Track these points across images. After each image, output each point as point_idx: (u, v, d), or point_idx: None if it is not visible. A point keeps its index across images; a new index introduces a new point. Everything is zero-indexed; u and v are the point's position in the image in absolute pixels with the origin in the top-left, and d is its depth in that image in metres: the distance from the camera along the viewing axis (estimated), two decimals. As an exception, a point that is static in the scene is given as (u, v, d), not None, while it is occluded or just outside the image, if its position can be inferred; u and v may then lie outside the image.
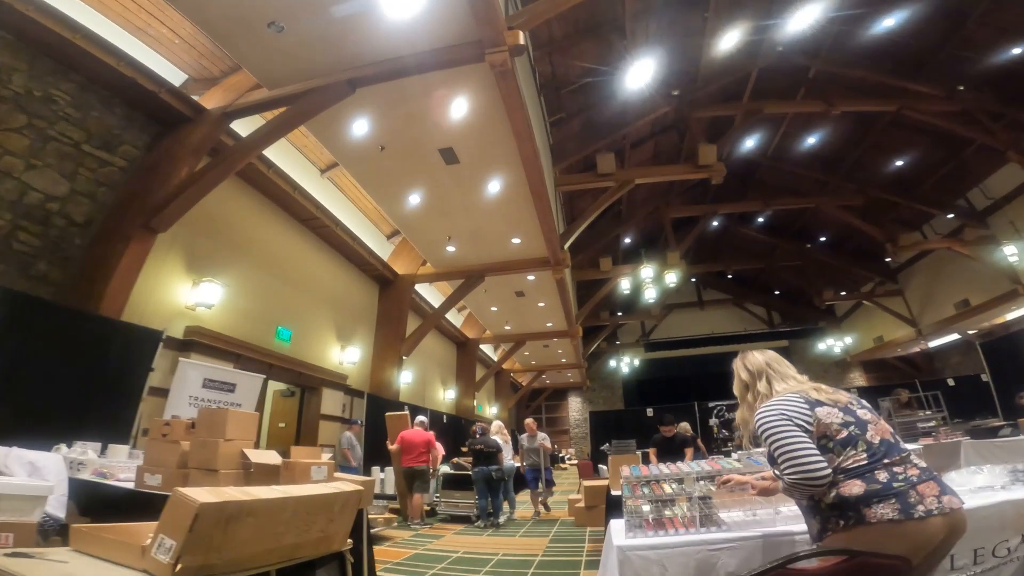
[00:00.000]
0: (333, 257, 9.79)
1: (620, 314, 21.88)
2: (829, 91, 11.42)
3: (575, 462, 22.88)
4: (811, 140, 14.23)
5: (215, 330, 6.51)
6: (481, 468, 6.53)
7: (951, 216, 14.57)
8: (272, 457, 2.98)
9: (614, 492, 4.06)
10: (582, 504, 6.16)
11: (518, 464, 7.81)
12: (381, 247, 11.39)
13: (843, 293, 20.37)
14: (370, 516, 5.79)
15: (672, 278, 13.21)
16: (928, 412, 6.93)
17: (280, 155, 7.85)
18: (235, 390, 5.17)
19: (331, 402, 8.57)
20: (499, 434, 7.26)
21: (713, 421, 11.33)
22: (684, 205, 16.96)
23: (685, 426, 9.67)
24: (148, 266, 5.67)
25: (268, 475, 2.88)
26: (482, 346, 17.58)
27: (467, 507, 7.07)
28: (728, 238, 21.41)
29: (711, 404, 12.66)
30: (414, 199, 8.28)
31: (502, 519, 6.83)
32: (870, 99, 11.31)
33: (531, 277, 11.53)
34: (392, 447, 6.84)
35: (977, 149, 12.35)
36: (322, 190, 9.24)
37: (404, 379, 11.28)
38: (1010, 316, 16.05)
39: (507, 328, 15.64)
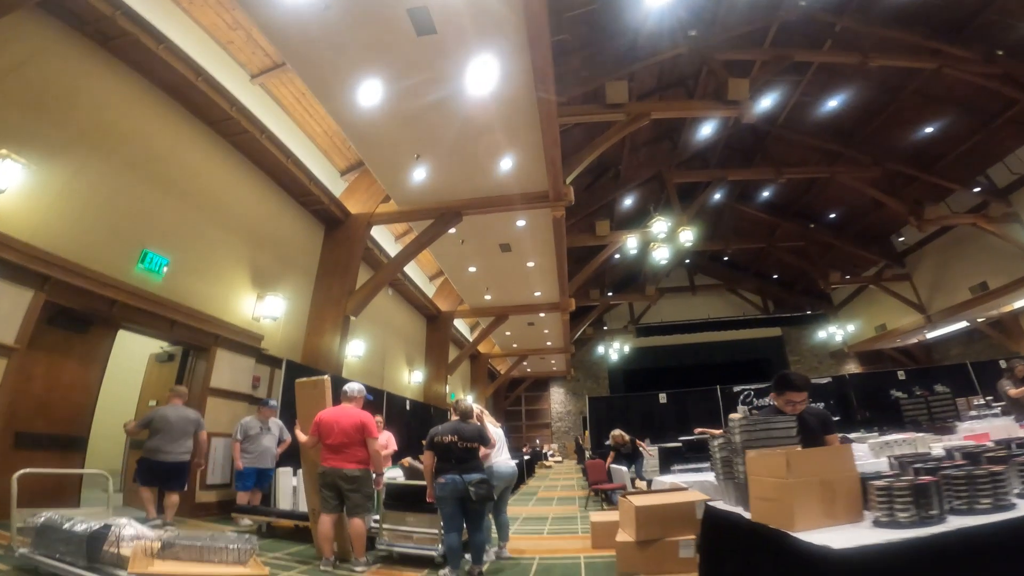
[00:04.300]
0: (258, 179, 7.22)
1: (611, 293, 19.62)
2: (859, 47, 9.98)
3: (559, 459, 20.45)
4: (832, 104, 12.44)
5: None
6: (451, 478, 3.69)
7: (977, 189, 13.10)
8: None
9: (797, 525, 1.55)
10: (628, 537, 3.54)
11: (513, 463, 4.90)
12: (333, 183, 8.84)
13: (848, 277, 18.72)
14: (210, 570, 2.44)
15: (688, 235, 10.98)
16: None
17: (191, 45, 5.62)
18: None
19: (229, 371, 5.76)
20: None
21: (742, 408, 9.18)
22: (687, 171, 14.97)
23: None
24: None
25: None
26: (456, 322, 14.96)
27: (427, 540, 4.13)
28: (727, 216, 19.62)
29: (736, 388, 10.41)
30: (370, 93, 5.69)
31: (487, 562, 3.98)
32: (907, 56, 9.91)
33: (521, 222, 9.02)
34: (304, 438, 3.97)
35: (1007, 121, 11.18)
36: (253, 100, 6.75)
37: (354, 350, 8.59)
38: (1017, 304, 14.62)
39: (487, 298, 13.08)
